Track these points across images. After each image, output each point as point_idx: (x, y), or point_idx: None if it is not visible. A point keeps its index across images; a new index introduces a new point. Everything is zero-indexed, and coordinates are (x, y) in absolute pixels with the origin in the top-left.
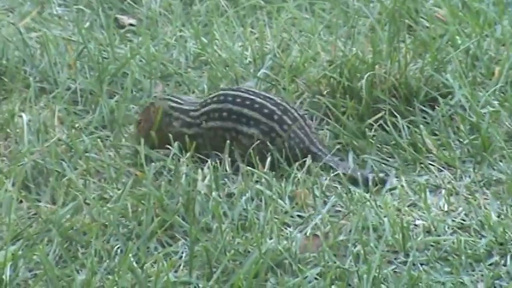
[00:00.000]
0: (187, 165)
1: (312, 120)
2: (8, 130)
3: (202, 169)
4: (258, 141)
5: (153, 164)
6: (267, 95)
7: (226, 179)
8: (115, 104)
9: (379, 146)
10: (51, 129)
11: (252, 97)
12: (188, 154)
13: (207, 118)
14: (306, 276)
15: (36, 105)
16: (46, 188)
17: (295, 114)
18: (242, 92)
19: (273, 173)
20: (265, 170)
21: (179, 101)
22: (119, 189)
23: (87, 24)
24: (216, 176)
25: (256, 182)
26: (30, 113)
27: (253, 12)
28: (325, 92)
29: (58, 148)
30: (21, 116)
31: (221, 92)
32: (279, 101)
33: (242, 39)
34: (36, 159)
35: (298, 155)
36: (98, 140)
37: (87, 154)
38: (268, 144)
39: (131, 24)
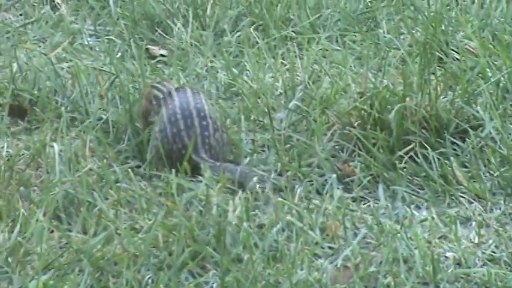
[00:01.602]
0: (218, 196)
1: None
2: (40, 160)
3: (233, 200)
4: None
5: (184, 194)
6: (190, 96)
7: (257, 210)
8: (147, 134)
9: (409, 177)
10: (83, 159)
11: (174, 97)
12: (219, 185)
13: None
14: None
15: (68, 135)
16: (77, 218)
17: (196, 122)
18: (178, 91)
19: (304, 204)
20: (295, 200)
21: (162, 89)
22: (150, 220)
23: (119, 54)
24: (247, 207)
25: (287, 213)
26: (62, 143)
27: (284, 44)
28: (355, 124)
29: (89, 178)
30: (52, 146)
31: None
32: (191, 107)
33: (273, 71)
34: (67, 189)
35: (179, 159)
36: (129, 170)
37: (118, 184)
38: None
39: (162, 55)
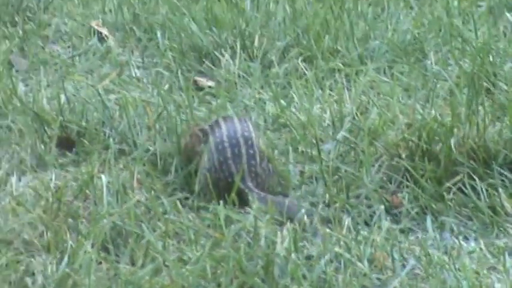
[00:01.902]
0: (266, 228)
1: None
2: (87, 191)
3: (281, 231)
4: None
5: (232, 226)
6: (237, 124)
7: (305, 242)
8: (194, 165)
9: (457, 208)
10: (130, 191)
11: (222, 125)
12: (268, 216)
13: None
14: None
15: (115, 166)
16: (125, 250)
17: (243, 150)
18: (225, 120)
19: (352, 235)
20: (343, 232)
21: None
22: (198, 251)
23: (166, 86)
24: (295, 238)
25: (335, 244)
26: (110, 175)
27: (332, 75)
28: (403, 155)
29: (137, 210)
30: (100, 178)
31: (219, 117)
32: (238, 135)
33: (321, 102)
34: (115, 221)
35: (226, 188)
36: (177, 201)
37: (166, 216)
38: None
39: (210, 87)
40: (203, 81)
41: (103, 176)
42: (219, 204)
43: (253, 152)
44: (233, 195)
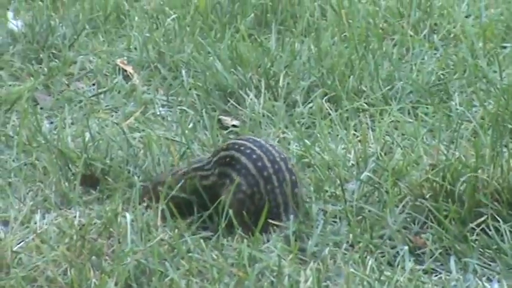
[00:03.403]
0: (289, 267)
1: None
2: (111, 229)
3: (304, 271)
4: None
5: (256, 265)
6: (270, 148)
7: (328, 281)
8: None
9: (481, 250)
10: (154, 229)
11: (254, 147)
12: (291, 255)
13: (217, 165)
14: None
15: (140, 205)
16: None
17: (287, 178)
18: (248, 141)
19: (376, 275)
20: (367, 272)
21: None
22: None
23: (191, 125)
24: (319, 278)
25: (359, 284)
26: (134, 213)
27: (356, 115)
28: (427, 196)
29: (161, 248)
30: (124, 216)
31: (231, 140)
32: (277, 159)
33: (345, 142)
34: (139, 259)
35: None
36: (201, 240)
37: (189, 254)
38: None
39: (234, 126)
40: (228, 120)
41: (127, 214)
42: (244, 236)
43: (294, 178)
44: (257, 234)
